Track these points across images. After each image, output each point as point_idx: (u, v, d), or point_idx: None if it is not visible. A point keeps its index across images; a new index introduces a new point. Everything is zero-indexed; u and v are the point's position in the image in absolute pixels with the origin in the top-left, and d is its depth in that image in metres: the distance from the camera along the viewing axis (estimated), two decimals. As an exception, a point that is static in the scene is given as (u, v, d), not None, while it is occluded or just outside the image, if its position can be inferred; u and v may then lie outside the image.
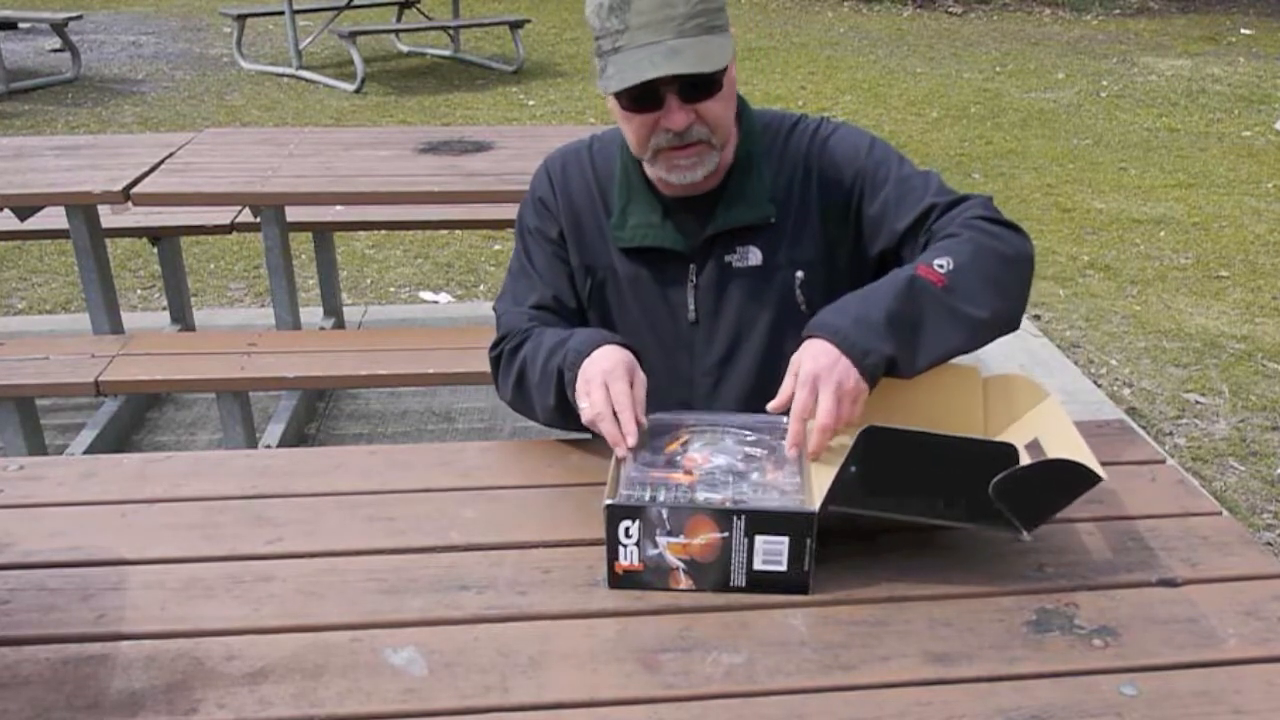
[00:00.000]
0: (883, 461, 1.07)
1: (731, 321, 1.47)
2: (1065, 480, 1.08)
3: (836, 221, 1.46)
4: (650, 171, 1.43)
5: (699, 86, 1.30)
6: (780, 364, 1.37)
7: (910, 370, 1.25)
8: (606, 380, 1.25)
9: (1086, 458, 1.07)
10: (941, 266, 1.28)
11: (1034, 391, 1.26)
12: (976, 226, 1.35)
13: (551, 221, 1.51)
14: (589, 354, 1.30)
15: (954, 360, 1.29)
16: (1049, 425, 1.20)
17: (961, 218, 1.38)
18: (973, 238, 1.33)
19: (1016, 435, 1.23)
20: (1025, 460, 1.07)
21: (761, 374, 1.48)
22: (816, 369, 1.20)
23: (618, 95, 1.32)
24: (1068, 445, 1.12)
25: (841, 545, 1.18)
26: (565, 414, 1.37)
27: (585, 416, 1.25)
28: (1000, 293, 1.30)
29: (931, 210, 1.41)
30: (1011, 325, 1.32)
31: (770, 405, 1.23)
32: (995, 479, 1.06)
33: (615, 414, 1.22)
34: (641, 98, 1.31)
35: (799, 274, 1.45)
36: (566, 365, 1.32)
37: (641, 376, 1.28)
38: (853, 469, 1.07)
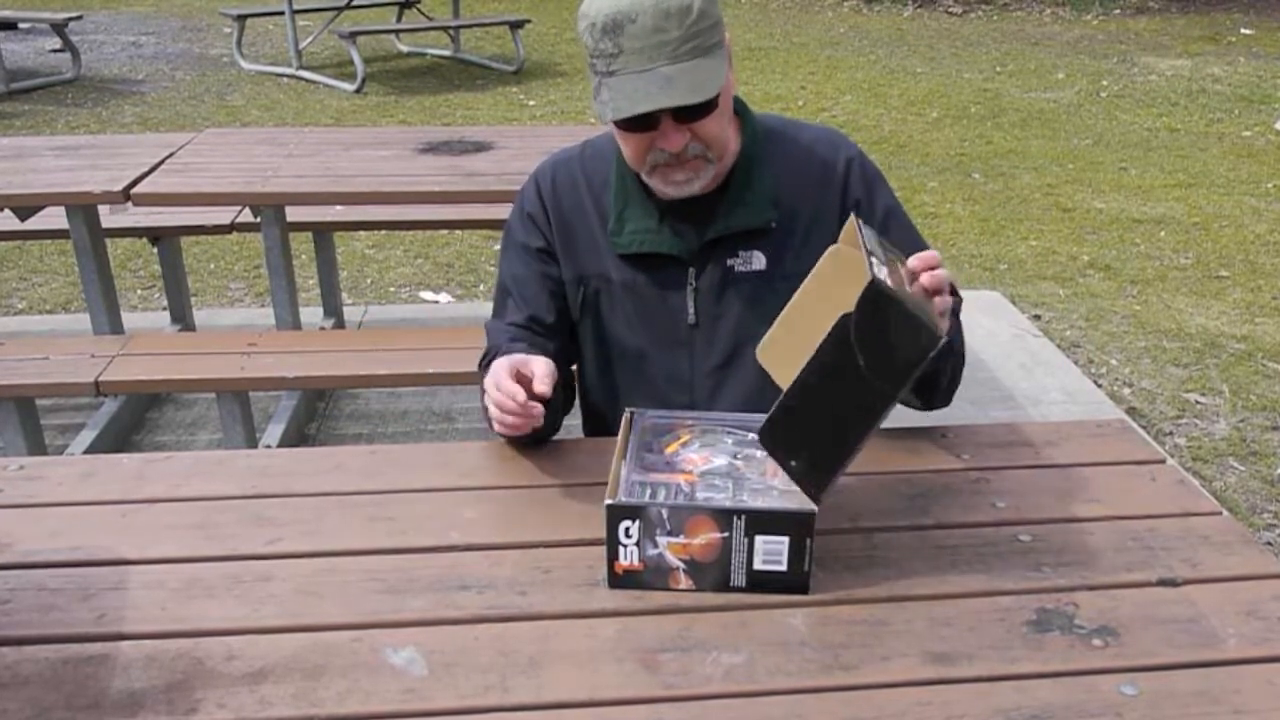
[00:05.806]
0: (797, 425, 1.08)
1: (733, 325, 1.46)
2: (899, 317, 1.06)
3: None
4: (648, 182, 1.42)
5: (694, 110, 1.30)
6: None
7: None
8: (494, 387, 1.29)
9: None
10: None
11: (850, 233, 1.21)
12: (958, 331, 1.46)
13: (537, 235, 1.51)
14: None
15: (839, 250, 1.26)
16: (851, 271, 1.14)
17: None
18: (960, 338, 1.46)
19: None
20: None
21: (763, 378, 1.46)
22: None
23: None
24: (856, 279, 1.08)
25: (842, 545, 1.18)
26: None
27: (499, 429, 1.33)
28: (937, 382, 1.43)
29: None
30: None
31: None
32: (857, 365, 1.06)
33: (514, 409, 1.27)
34: (637, 121, 1.31)
35: None
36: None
37: (538, 360, 1.31)
38: (792, 465, 1.09)
